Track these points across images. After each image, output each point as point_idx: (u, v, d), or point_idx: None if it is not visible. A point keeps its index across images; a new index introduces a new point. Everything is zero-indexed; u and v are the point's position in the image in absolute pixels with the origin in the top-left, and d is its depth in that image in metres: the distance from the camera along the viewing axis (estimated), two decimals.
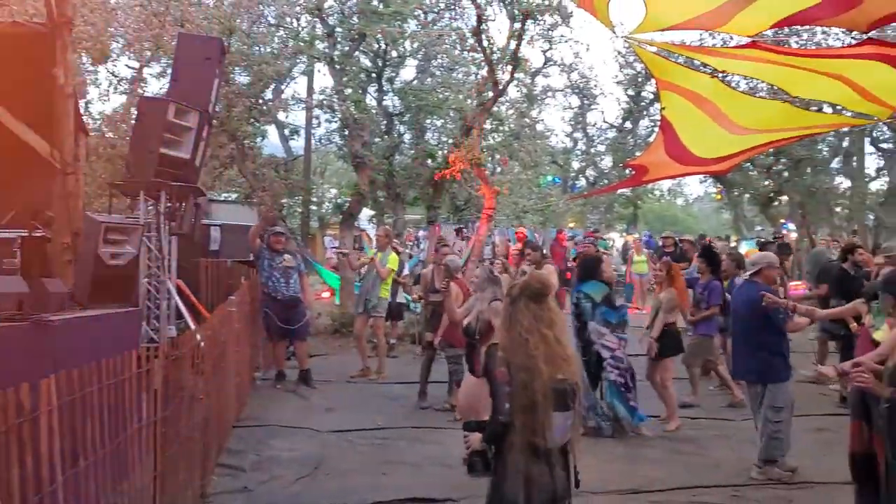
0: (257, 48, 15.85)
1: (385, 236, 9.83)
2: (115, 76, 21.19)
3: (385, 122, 14.44)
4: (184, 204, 8.28)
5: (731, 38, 10.50)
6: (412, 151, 14.79)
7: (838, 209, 22.85)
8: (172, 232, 8.27)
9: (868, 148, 22.36)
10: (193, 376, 4.99)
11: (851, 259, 8.30)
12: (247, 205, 14.43)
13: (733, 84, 10.82)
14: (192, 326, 7.31)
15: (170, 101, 7.94)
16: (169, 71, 10.49)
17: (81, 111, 10.84)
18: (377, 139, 13.77)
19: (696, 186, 46.92)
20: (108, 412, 3.30)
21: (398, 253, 10.50)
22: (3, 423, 2.38)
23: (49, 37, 7.73)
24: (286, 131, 18.63)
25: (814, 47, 13.57)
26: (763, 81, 10.74)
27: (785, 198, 21.67)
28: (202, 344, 5.23)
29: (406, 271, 11.53)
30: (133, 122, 9.40)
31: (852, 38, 4.71)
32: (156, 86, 19.08)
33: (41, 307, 5.03)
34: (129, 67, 21.18)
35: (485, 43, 12.39)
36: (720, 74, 6.08)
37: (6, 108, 7.67)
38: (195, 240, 8.67)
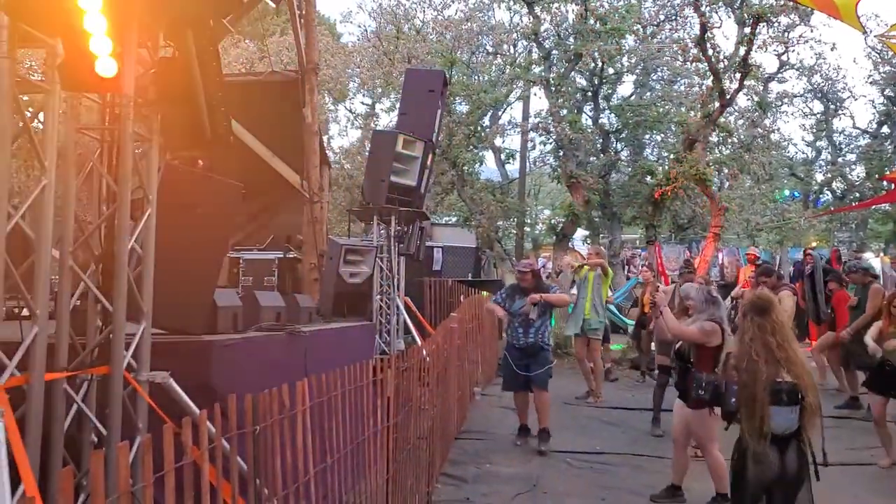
0: (476, 77, 16.58)
1: (597, 255, 9.56)
2: (352, 112, 23.49)
3: (601, 140, 14.30)
4: (411, 227, 8.91)
5: None
6: (630, 169, 14.46)
7: None
8: (401, 253, 8.90)
9: None
10: (420, 387, 5.30)
11: None
12: (466, 227, 15.08)
13: None
14: (418, 341, 7.74)
15: (398, 133, 8.60)
16: (397, 105, 11.36)
17: (325, 146, 12.10)
18: (592, 158, 13.67)
19: None
20: (349, 415, 3.63)
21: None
22: (270, 416, 2.73)
23: (299, 81, 8.81)
24: (502, 156, 19.19)
25: None
26: None
27: None
28: (427, 358, 5.54)
29: (620, 294, 11.13)
30: (367, 153, 10.30)
31: None
32: (385, 119, 20.79)
33: (294, 319, 5.66)
34: (363, 104, 23.35)
35: (709, 51, 11.82)
36: None
37: (267, 146, 8.86)
38: (420, 260, 9.23)
